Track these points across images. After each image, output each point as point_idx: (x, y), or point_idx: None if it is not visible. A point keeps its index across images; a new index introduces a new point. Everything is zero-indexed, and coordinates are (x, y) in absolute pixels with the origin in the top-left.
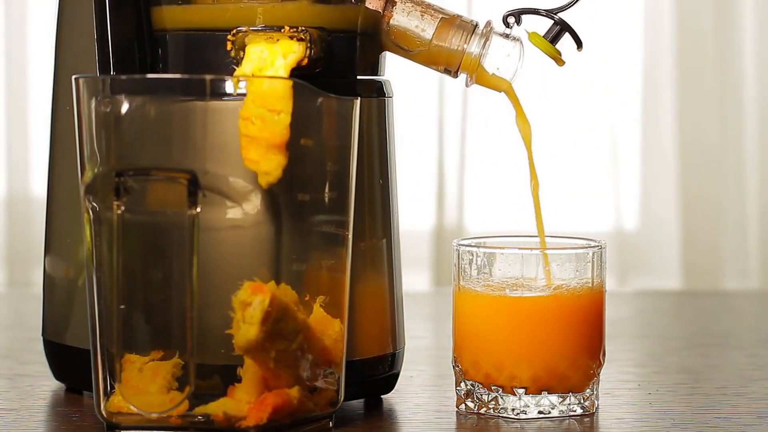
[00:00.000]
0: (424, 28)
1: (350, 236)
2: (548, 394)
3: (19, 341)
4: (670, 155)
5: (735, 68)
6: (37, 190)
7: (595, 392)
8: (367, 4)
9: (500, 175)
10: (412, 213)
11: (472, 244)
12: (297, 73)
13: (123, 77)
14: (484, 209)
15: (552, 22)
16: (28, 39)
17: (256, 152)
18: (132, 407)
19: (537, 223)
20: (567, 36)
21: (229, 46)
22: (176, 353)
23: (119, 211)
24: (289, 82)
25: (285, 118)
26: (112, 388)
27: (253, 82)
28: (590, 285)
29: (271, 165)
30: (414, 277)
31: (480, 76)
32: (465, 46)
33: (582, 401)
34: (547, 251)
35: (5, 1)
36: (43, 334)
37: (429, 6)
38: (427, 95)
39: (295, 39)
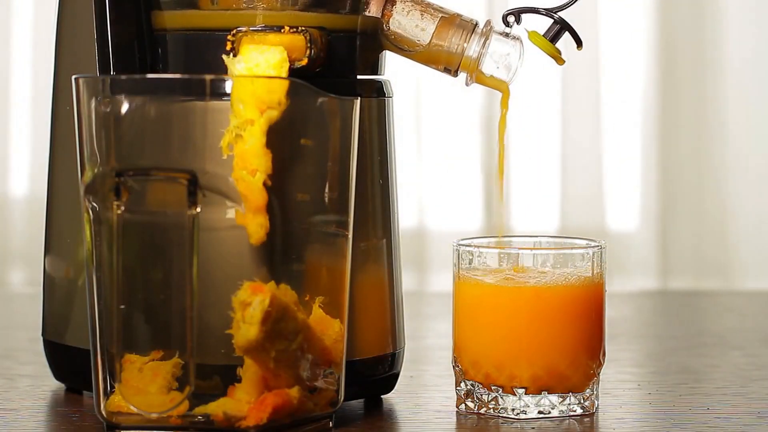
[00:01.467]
0: (424, 28)
1: (350, 236)
2: (548, 394)
3: (19, 341)
4: (672, 154)
5: (734, 67)
6: (16, 191)
7: (595, 392)
8: (367, 12)
9: (529, 176)
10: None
11: (473, 244)
12: (297, 73)
13: (123, 77)
14: (529, 210)
15: (552, 21)
16: (11, 36)
17: (248, 212)
18: (132, 407)
19: (498, 213)
20: (567, 35)
21: (229, 46)
22: (176, 353)
23: (119, 211)
24: (263, 139)
25: (260, 178)
26: (112, 388)
27: (237, 143)
28: (590, 284)
29: (253, 227)
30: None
31: (480, 76)
32: (465, 45)
33: (582, 401)
34: (547, 252)
35: None
36: (43, 334)
37: (429, 5)
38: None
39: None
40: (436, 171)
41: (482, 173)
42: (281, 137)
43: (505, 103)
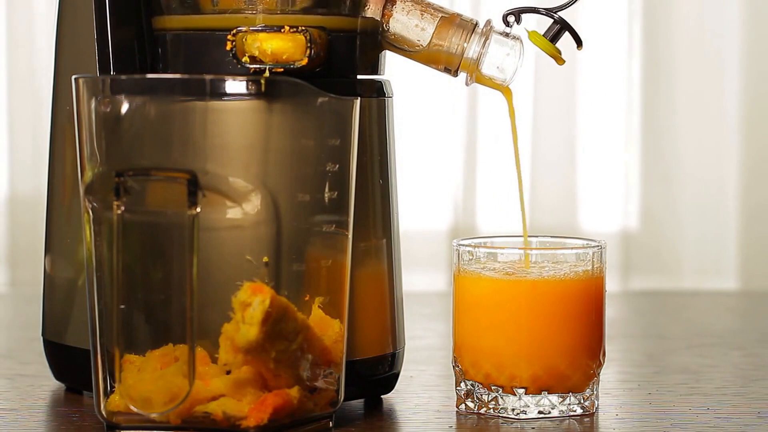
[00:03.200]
0: (424, 27)
1: (350, 236)
2: (548, 394)
3: (19, 341)
4: (673, 154)
5: (732, 65)
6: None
7: (595, 392)
8: (367, 11)
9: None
10: (430, 212)
11: (472, 244)
12: (297, 73)
13: (123, 77)
14: (500, 209)
15: (552, 20)
16: (11, 36)
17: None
18: (132, 407)
19: (521, 213)
20: (567, 35)
21: (229, 46)
22: (176, 353)
23: (119, 211)
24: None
25: (252, 330)
26: (112, 388)
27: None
28: (590, 282)
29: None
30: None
31: (479, 76)
32: (465, 45)
33: (582, 401)
34: (547, 251)
35: None
36: (43, 334)
37: (429, 5)
38: (440, 94)
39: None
40: (406, 171)
41: (452, 173)
42: (281, 137)
43: (510, 103)
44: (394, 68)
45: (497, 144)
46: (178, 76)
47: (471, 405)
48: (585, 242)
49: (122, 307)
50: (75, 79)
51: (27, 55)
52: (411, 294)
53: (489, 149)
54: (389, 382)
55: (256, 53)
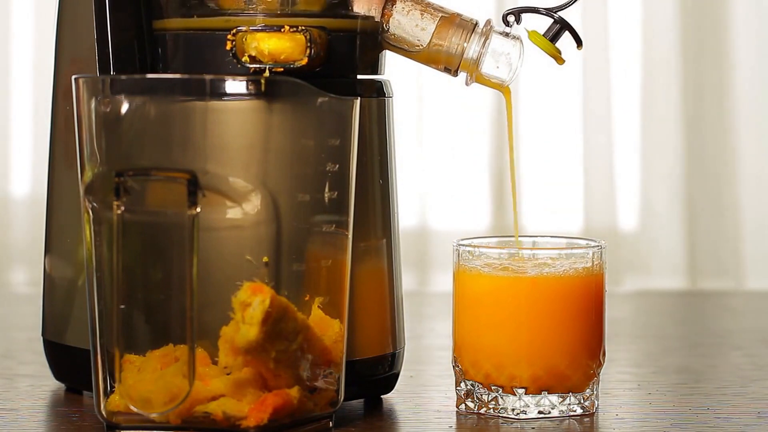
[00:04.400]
0: (424, 27)
1: (350, 236)
2: (548, 394)
3: (19, 341)
4: (671, 154)
5: (735, 65)
6: (18, 191)
7: (595, 392)
8: (367, 11)
9: (536, 175)
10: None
11: (473, 244)
12: (297, 73)
13: (123, 77)
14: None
15: (552, 20)
16: (11, 36)
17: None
18: (132, 407)
19: (514, 211)
20: (567, 34)
21: (229, 45)
22: (176, 353)
23: (119, 211)
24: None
25: (252, 330)
26: (112, 388)
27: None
28: (590, 280)
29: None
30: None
31: (479, 76)
32: (465, 45)
33: (582, 401)
34: (547, 250)
35: None
36: (43, 334)
37: (429, 5)
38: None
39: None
40: (441, 170)
41: (489, 172)
42: (281, 137)
43: (508, 103)
44: (394, 68)
45: (528, 143)
46: (178, 76)
47: (471, 405)
48: (585, 241)
49: (122, 307)
50: (75, 79)
51: (5, 56)
52: (413, 294)
53: (522, 149)
54: (389, 382)
55: (256, 53)
